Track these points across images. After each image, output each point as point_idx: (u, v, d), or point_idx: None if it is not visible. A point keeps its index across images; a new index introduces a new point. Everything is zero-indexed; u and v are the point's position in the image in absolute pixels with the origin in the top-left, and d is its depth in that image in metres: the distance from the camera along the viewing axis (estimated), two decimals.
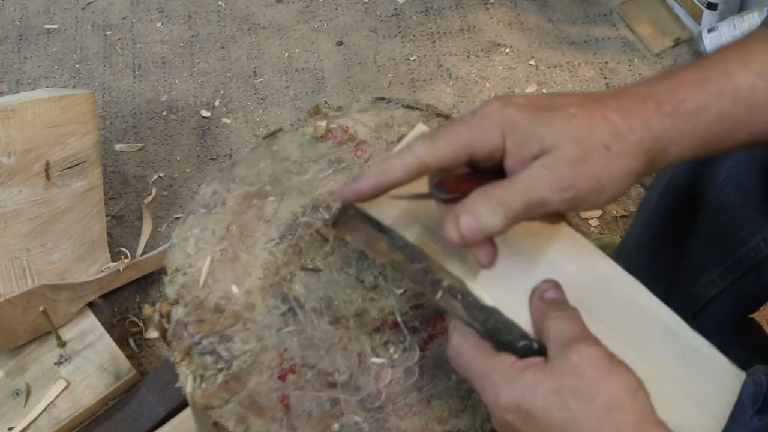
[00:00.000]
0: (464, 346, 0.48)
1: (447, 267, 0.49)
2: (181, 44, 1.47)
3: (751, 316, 0.88)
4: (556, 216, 0.50)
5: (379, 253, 0.50)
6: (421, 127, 0.55)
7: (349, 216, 0.50)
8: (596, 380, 0.43)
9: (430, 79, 1.41)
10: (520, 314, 0.49)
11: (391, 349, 0.57)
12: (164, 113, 1.37)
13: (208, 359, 0.56)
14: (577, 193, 0.44)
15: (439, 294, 0.49)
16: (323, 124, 0.70)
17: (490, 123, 0.45)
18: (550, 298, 0.47)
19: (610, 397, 0.43)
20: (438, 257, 0.49)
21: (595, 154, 0.44)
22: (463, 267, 0.49)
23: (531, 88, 1.40)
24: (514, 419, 0.45)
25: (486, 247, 0.47)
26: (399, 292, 0.60)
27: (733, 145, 0.48)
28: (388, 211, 0.50)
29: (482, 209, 0.44)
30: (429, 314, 0.59)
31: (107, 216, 1.20)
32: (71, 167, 1.03)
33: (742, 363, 0.55)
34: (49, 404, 0.96)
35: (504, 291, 0.49)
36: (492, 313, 0.48)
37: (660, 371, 0.51)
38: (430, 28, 1.50)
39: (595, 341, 0.45)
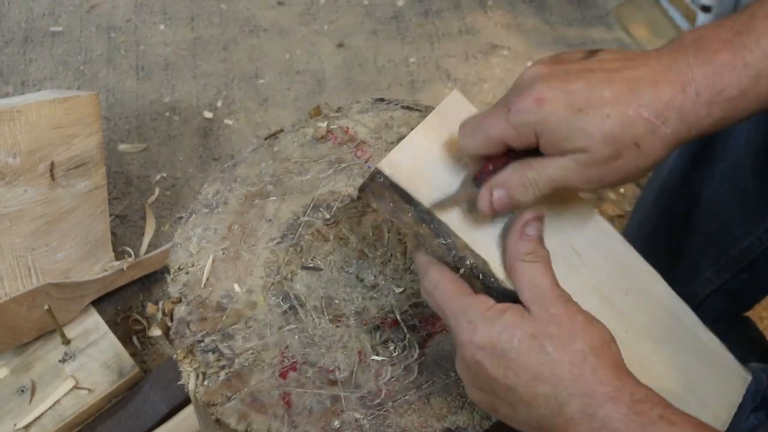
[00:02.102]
0: (443, 280, 0.49)
1: (472, 246, 0.49)
2: (184, 46, 1.48)
3: (745, 314, 0.89)
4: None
5: (403, 224, 0.50)
6: (456, 95, 0.54)
7: (378, 183, 0.49)
8: (574, 329, 0.44)
9: (429, 81, 1.42)
10: None
11: (391, 347, 0.58)
12: (167, 114, 1.38)
13: (211, 357, 0.56)
14: (603, 184, 0.47)
15: (461, 271, 0.49)
16: (324, 124, 0.71)
17: (524, 121, 0.46)
18: (529, 237, 0.48)
19: (587, 344, 0.44)
20: (464, 235, 0.49)
21: (626, 151, 0.45)
22: (489, 248, 0.50)
23: None
24: (484, 358, 0.45)
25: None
26: (399, 290, 0.61)
27: (759, 113, 0.48)
28: (419, 185, 0.50)
29: (515, 186, 0.47)
30: (428, 312, 0.59)
31: (111, 215, 1.21)
32: (75, 167, 1.04)
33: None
34: (55, 402, 0.97)
35: None
36: (512, 296, 0.48)
37: (671, 367, 0.51)
38: (429, 30, 1.51)
39: (567, 299, 0.46)
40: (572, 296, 0.47)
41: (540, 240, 0.48)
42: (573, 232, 0.52)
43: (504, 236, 0.50)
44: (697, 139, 0.47)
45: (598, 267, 0.52)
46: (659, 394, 0.44)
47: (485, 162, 0.49)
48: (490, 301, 0.47)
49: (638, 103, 0.45)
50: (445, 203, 0.50)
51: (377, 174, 0.49)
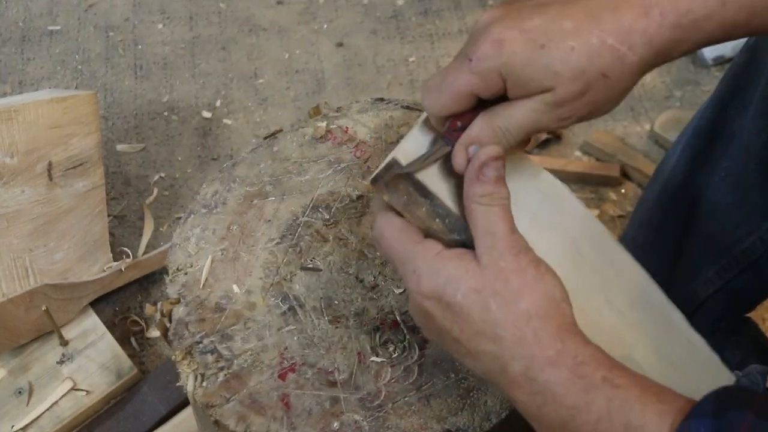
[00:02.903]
0: (389, 228, 0.47)
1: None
2: (183, 45, 1.48)
3: (747, 315, 0.88)
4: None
5: (416, 218, 0.48)
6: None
7: (393, 174, 0.48)
8: (521, 287, 0.43)
9: None
10: None
11: (391, 348, 0.58)
12: (166, 114, 1.37)
13: (209, 358, 0.56)
14: (574, 118, 0.45)
15: None
16: (323, 124, 0.70)
17: (487, 67, 0.44)
18: (486, 178, 0.46)
19: (532, 304, 0.43)
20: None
21: (594, 84, 0.44)
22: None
23: None
24: (432, 308, 0.45)
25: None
26: (398, 291, 0.61)
27: (729, 40, 0.47)
28: (435, 178, 0.49)
29: (489, 140, 0.46)
30: None
31: (109, 216, 1.20)
32: (73, 167, 1.04)
33: (737, 362, 0.56)
34: (53, 404, 0.96)
35: None
36: None
37: (668, 366, 0.51)
38: (429, 30, 1.50)
39: (520, 249, 0.44)
40: (578, 297, 0.45)
41: (499, 180, 0.46)
42: (576, 236, 0.52)
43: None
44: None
45: (598, 265, 0.52)
46: (607, 355, 0.42)
47: (453, 119, 0.48)
48: (438, 247, 0.45)
49: (600, 29, 0.43)
50: (416, 163, 0.48)
51: (394, 165, 0.48)
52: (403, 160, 0.48)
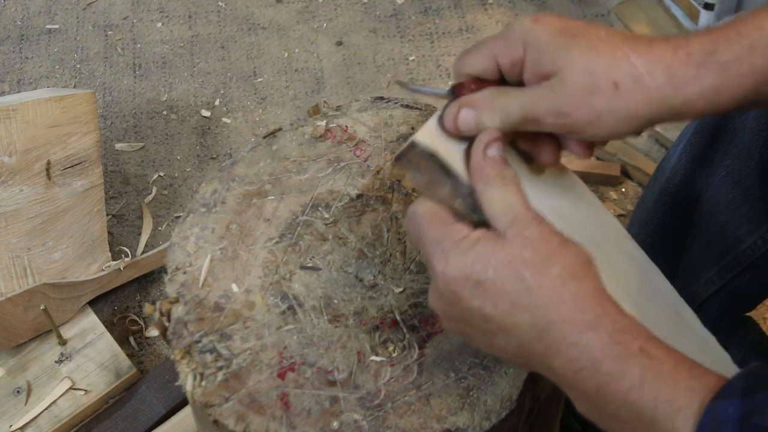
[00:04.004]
0: (421, 209, 0.48)
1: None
2: (182, 44, 1.48)
3: (748, 314, 0.88)
4: (584, 148, 0.49)
5: (438, 197, 0.49)
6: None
7: (417, 153, 0.49)
8: (550, 252, 0.43)
9: (429, 79, 1.42)
10: None
11: (390, 348, 0.57)
12: (164, 113, 1.37)
13: (208, 357, 0.56)
14: (573, 121, 0.46)
15: None
16: (323, 123, 0.70)
17: (515, 36, 0.47)
18: (492, 158, 0.47)
19: (565, 268, 0.43)
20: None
21: (603, 89, 0.44)
22: None
23: None
24: (460, 289, 0.44)
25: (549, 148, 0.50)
26: (398, 290, 0.60)
27: (757, 99, 0.47)
28: (457, 159, 0.49)
29: (484, 108, 0.48)
30: (428, 312, 0.59)
31: (108, 215, 1.20)
32: (72, 166, 1.04)
33: (738, 361, 0.56)
34: (51, 403, 0.96)
35: None
36: None
37: None
38: (429, 29, 1.50)
39: (540, 220, 0.45)
40: None
41: (504, 160, 0.47)
42: (589, 225, 0.52)
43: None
44: (702, 117, 0.47)
45: (615, 260, 0.52)
46: (643, 326, 0.43)
47: (468, 81, 0.49)
48: (465, 230, 0.46)
49: (630, 48, 0.45)
50: (416, 91, 0.51)
51: (418, 143, 0.49)
52: (428, 139, 0.49)
